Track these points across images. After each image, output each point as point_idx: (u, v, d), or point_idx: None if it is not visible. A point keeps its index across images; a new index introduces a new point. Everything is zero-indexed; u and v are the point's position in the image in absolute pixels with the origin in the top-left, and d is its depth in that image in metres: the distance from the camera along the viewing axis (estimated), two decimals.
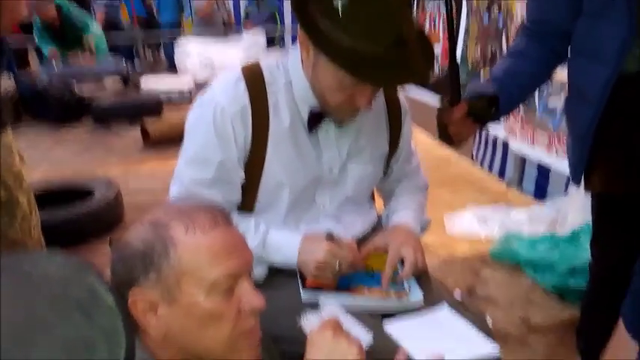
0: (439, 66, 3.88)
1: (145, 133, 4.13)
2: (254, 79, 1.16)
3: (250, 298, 0.79)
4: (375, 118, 1.27)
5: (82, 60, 5.52)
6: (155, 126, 4.11)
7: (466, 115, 1.28)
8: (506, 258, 2.43)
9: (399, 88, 1.32)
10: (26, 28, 5.85)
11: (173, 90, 5.35)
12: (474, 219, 2.77)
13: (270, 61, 1.21)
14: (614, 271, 1.37)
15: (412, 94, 3.90)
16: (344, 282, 1.16)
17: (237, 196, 1.20)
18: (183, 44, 6.32)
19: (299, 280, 1.16)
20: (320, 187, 1.24)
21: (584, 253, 2.05)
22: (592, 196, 1.43)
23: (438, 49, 3.85)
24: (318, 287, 1.14)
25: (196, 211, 0.80)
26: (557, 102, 2.69)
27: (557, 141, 2.71)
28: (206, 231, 0.78)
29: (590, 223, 1.48)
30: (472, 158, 3.94)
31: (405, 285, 1.18)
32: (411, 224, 1.27)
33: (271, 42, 7.22)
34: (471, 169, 3.75)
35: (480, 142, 3.91)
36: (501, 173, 3.59)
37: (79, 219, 2.64)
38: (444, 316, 1.05)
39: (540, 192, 3.19)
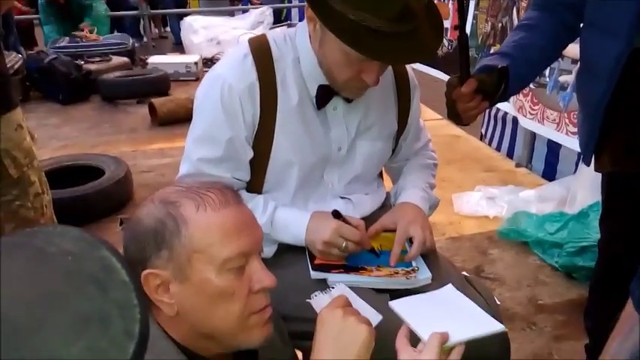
0: (448, 40, 3.83)
1: (152, 111, 4.13)
2: (261, 54, 1.15)
3: (261, 276, 0.80)
4: (384, 94, 1.26)
5: (88, 37, 5.51)
6: (163, 104, 4.10)
7: (475, 92, 1.27)
8: (514, 237, 2.43)
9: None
10: (34, 5, 5.84)
11: (180, 67, 5.31)
12: (482, 198, 2.76)
13: (277, 35, 1.19)
14: (623, 251, 1.37)
15: (421, 68, 3.86)
16: (353, 260, 1.17)
17: (245, 173, 1.20)
18: (189, 21, 6.27)
19: (308, 259, 1.17)
20: (328, 165, 1.24)
21: (593, 232, 2.05)
22: (602, 175, 1.42)
23: (448, 23, 3.79)
24: (327, 265, 1.15)
25: (207, 190, 0.80)
26: (568, 79, 2.66)
27: (568, 120, 2.68)
28: (217, 209, 0.78)
29: (600, 201, 1.48)
30: (481, 137, 3.92)
31: (414, 264, 1.18)
32: (419, 203, 1.27)
33: (278, 18, 7.16)
34: (479, 147, 3.73)
35: (489, 121, 3.87)
36: (510, 151, 3.56)
37: (89, 197, 2.66)
38: (449, 294, 1.05)
39: (550, 170, 3.17)
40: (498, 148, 3.69)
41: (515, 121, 3.37)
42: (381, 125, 1.27)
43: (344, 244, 1.12)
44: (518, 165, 3.33)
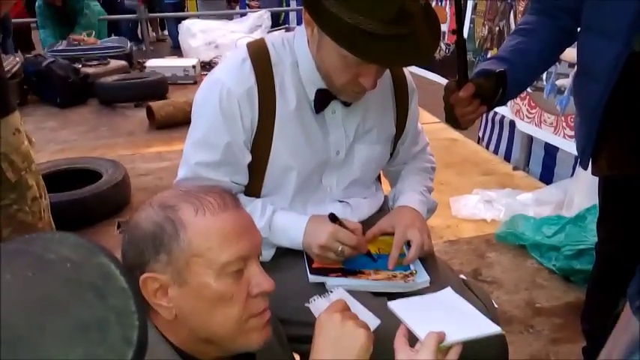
0: (445, 44, 3.84)
1: (150, 114, 4.12)
2: (260, 58, 1.16)
3: (260, 280, 0.80)
4: (382, 98, 1.26)
5: (86, 41, 5.51)
6: (161, 107, 4.10)
7: (473, 96, 1.27)
8: (512, 240, 2.43)
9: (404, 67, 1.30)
10: (32, 9, 5.84)
11: (178, 70, 5.31)
12: (480, 201, 2.77)
13: (276, 39, 1.19)
14: (620, 254, 1.37)
15: (418, 72, 3.87)
16: (351, 264, 1.17)
17: (244, 177, 1.20)
18: (187, 24, 6.27)
19: (306, 263, 1.17)
20: (327, 169, 1.24)
21: (590, 235, 2.05)
22: (599, 178, 1.42)
23: (445, 27, 3.80)
24: (325, 269, 1.15)
25: (205, 193, 0.80)
26: (566, 83, 2.67)
27: (565, 124, 2.69)
28: (216, 213, 0.78)
29: (597, 204, 1.48)
30: (478, 141, 3.92)
31: (411, 267, 1.19)
32: (417, 206, 1.27)
33: (276, 21, 7.17)
34: (477, 151, 3.73)
35: (486, 124, 3.88)
36: (508, 155, 3.57)
37: (86, 201, 2.66)
38: (448, 296, 1.06)
39: (547, 173, 3.17)
40: (496, 152, 3.69)
41: (512, 124, 3.38)
42: (380, 129, 1.27)
43: (340, 248, 1.12)
44: (515, 168, 3.34)
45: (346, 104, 1.20)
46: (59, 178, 2.80)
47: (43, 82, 4.65)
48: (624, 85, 1.20)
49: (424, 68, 3.95)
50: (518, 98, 2.96)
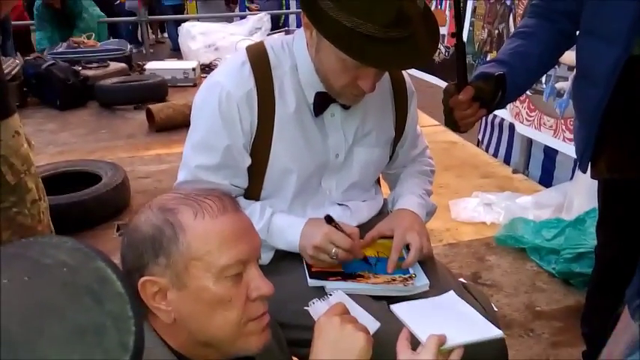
0: (445, 47, 3.84)
1: (150, 117, 4.13)
2: (259, 62, 1.16)
3: (259, 283, 0.80)
4: (381, 101, 1.26)
5: (86, 43, 5.52)
6: (160, 110, 4.10)
7: (473, 99, 1.27)
8: (512, 243, 2.43)
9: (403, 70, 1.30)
10: (31, 12, 5.84)
11: (178, 72, 5.32)
12: (479, 204, 2.77)
13: (275, 42, 1.20)
14: (620, 257, 1.37)
15: (418, 75, 3.87)
16: (350, 268, 1.17)
17: (243, 180, 1.20)
18: (187, 27, 6.28)
19: (305, 266, 1.17)
20: (326, 172, 1.24)
21: (589, 239, 2.05)
22: (598, 182, 1.42)
23: (445, 30, 3.81)
24: (324, 272, 1.15)
25: (205, 197, 0.80)
26: (565, 86, 2.67)
27: (564, 127, 2.69)
28: (215, 216, 0.78)
29: (596, 207, 1.48)
30: (478, 144, 3.93)
31: (411, 270, 1.18)
32: (415, 209, 1.27)
33: (276, 24, 7.18)
34: (477, 154, 3.74)
35: (485, 127, 3.88)
36: (507, 158, 3.57)
37: (86, 203, 2.66)
38: (450, 300, 1.06)
39: (547, 176, 3.18)
40: (495, 155, 3.69)
41: (512, 127, 3.38)
42: (379, 132, 1.27)
43: (334, 251, 1.11)
44: (515, 171, 3.34)
45: (345, 107, 1.20)
46: (59, 181, 2.80)
47: (42, 84, 4.66)
48: (623, 89, 1.20)
49: (423, 71, 3.96)
50: (517, 101, 2.97)
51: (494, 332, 0.95)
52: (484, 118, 3.66)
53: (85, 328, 0.40)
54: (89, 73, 4.92)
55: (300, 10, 1.10)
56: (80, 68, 4.94)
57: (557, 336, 1.93)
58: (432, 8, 3.94)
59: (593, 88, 1.24)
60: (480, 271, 2.32)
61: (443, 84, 3.48)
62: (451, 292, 1.08)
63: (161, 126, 4.02)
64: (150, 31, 8.09)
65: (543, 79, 2.74)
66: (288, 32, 5.92)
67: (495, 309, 1.21)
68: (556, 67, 2.54)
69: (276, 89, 1.15)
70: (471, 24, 3.50)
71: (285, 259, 1.20)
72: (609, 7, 1.18)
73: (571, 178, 2.80)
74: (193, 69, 5.36)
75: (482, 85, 1.28)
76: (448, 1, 3.90)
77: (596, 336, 1.27)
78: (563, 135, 2.71)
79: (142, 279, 0.76)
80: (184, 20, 6.86)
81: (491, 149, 3.77)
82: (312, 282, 1.13)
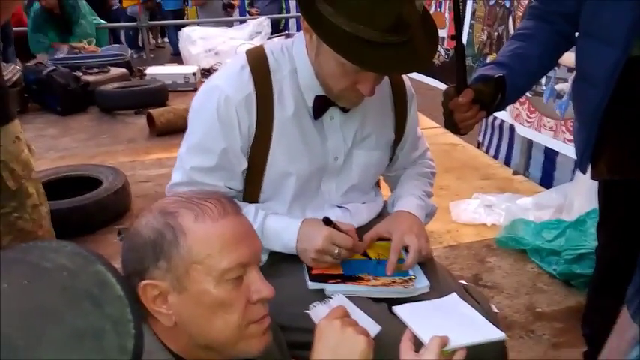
0: (445, 49, 3.85)
1: (150, 122, 4.13)
2: (259, 66, 1.16)
3: (259, 286, 0.80)
4: (381, 103, 1.27)
5: (86, 49, 5.53)
6: (161, 114, 4.11)
7: (473, 101, 1.28)
8: (512, 244, 2.43)
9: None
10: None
11: (178, 77, 5.33)
12: (480, 206, 2.77)
13: (274, 46, 1.20)
14: (620, 257, 1.37)
15: (418, 77, 3.88)
16: (350, 270, 1.17)
17: (238, 183, 1.20)
18: (187, 32, 6.30)
19: (305, 269, 1.17)
20: (325, 175, 1.24)
21: (590, 240, 2.05)
22: (599, 183, 1.42)
23: (444, 33, 3.81)
24: (324, 275, 1.15)
25: (205, 200, 0.81)
26: (565, 87, 2.67)
27: (564, 128, 2.70)
28: (216, 219, 0.78)
29: (597, 208, 1.48)
30: (478, 145, 3.93)
31: (411, 272, 1.18)
32: (414, 211, 1.26)
33: (276, 28, 7.19)
34: (477, 155, 3.73)
35: (486, 129, 3.89)
36: (507, 159, 3.57)
37: (87, 208, 2.66)
38: (453, 302, 1.06)
39: (547, 178, 3.17)
40: (496, 156, 3.69)
41: (512, 129, 3.38)
42: (378, 135, 1.27)
43: (336, 251, 1.12)
44: (515, 173, 3.34)
45: (345, 110, 1.20)
46: (60, 186, 2.80)
47: (43, 90, 4.66)
48: (623, 91, 1.20)
49: (423, 73, 3.96)
50: (517, 103, 2.97)
51: (497, 334, 0.95)
52: (484, 120, 3.67)
53: (85, 331, 0.40)
54: (90, 78, 4.93)
55: (300, 13, 1.10)
56: (81, 74, 4.95)
57: (558, 337, 1.93)
58: (432, 11, 3.96)
59: (592, 90, 1.25)
60: (481, 272, 2.32)
61: (443, 86, 3.48)
62: (454, 294, 1.08)
63: (162, 130, 4.02)
64: (150, 36, 8.11)
65: (543, 80, 2.75)
66: (288, 36, 5.93)
67: (496, 310, 1.21)
68: (556, 68, 2.54)
69: (276, 93, 1.16)
70: (471, 26, 3.51)
71: (284, 261, 1.20)
72: (608, 9, 1.18)
73: (571, 179, 2.80)
74: (194, 73, 5.36)
75: (481, 88, 1.29)
76: (448, 4, 3.90)
77: (597, 337, 1.26)
78: (564, 136, 2.71)
79: (143, 282, 0.76)
80: (184, 25, 6.87)
81: (492, 151, 3.77)
82: (312, 284, 1.13)
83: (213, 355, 0.81)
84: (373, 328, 0.93)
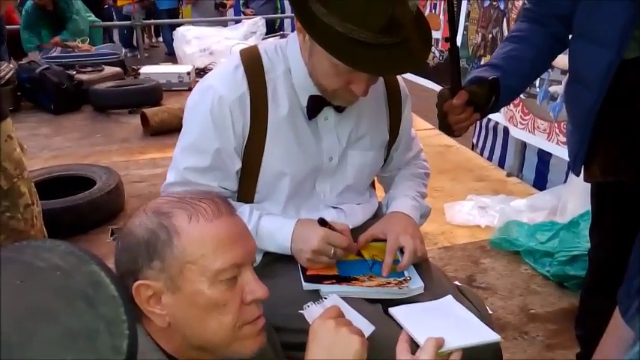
0: (439, 51, 3.86)
1: (144, 121, 4.12)
2: (253, 66, 1.16)
3: (254, 287, 0.80)
4: (375, 104, 1.27)
5: (80, 47, 5.51)
6: (155, 114, 4.09)
7: (467, 103, 1.28)
8: (506, 246, 2.43)
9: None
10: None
11: (172, 76, 5.31)
12: (474, 207, 2.77)
13: (269, 46, 1.20)
14: (613, 259, 1.38)
15: (412, 78, 3.89)
16: (345, 271, 1.17)
17: (232, 183, 1.20)
18: (182, 31, 6.28)
19: (299, 269, 1.17)
20: (320, 175, 1.24)
21: (583, 241, 2.06)
22: (592, 185, 1.43)
23: (439, 34, 3.82)
24: (319, 276, 1.15)
25: (199, 200, 0.80)
26: (558, 89, 2.68)
27: (558, 130, 2.71)
28: (210, 220, 0.78)
29: (590, 210, 1.49)
30: (472, 147, 3.94)
31: (406, 273, 1.19)
32: (409, 211, 1.27)
33: (271, 28, 7.19)
34: (471, 157, 3.75)
35: (480, 131, 3.90)
36: (501, 161, 3.58)
37: (80, 207, 2.65)
38: (448, 304, 1.07)
39: (541, 179, 3.19)
40: (490, 158, 3.71)
41: (506, 131, 3.40)
42: (373, 135, 1.27)
43: (332, 251, 1.12)
44: (509, 174, 3.35)
45: (339, 110, 1.20)
46: (53, 185, 2.78)
47: (36, 88, 4.64)
48: (616, 93, 1.21)
49: (418, 75, 3.97)
50: (511, 105, 2.98)
51: (492, 336, 0.96)
52: (478, 122, 3.68)
53: (78, 331, 0.40)
54: (83, 77, 4.91)
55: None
56: (74, 72, 4.93)
57: (551, 338, 1.94)
58: (426, 12, 3.96)
59: (586, 92, 1.25)
60: (475, 274, 2.32)
61: (437, 88, 3.49)
62: (449, 297, 1.08)
63: (156, 130, 4.01)
64: (145, 35, 8.08)
65: (537, 82, 2.76)
66: (283, 36, 5.93)
67: (490, 311, 1.21)
68: (549, 70, 2.55)
69: (270, 93, 1.16)
70: (465, 28, 3.52)
71: (279, 262, 1.20)
72: (602, 10, 1.18)
73: (565, 181, 2.81)
74: (188, 73, 5.35)
75: (475, 90, 1.29)
76: (442, 6, 3.91)
77: (591, 338, 1.27)
78: (557, 138, 2.72)
79: (137, 283, 0.76)
80: (179, 24, 6.86)
81: (486, 153, 3.78)
82: (306, 285, 1.13)
83: (207, 356, 0.81)
84: (367, 328, 0.93)
